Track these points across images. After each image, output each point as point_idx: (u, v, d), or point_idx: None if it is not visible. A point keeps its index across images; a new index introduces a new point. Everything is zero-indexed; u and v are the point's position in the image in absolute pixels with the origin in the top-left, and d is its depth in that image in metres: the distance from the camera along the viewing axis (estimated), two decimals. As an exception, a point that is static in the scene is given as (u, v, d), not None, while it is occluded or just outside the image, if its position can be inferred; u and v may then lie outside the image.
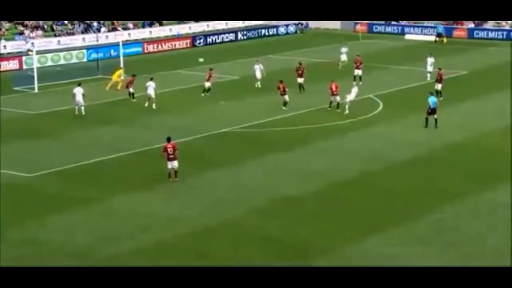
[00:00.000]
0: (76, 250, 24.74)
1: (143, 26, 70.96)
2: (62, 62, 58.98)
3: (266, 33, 74.90)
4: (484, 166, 33.30)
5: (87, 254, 24.37)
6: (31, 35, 63.33)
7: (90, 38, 64.84)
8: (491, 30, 72.18)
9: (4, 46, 60.48)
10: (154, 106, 44.05)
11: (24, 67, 56.24)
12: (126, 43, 63.24)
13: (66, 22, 67.18)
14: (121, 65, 52.56)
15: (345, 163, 33.82)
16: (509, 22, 71.13)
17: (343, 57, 56.57)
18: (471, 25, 73.33)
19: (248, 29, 74.95)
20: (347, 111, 42.06)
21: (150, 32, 70.06)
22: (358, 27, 75.14)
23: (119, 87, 48.62)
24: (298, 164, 33.96)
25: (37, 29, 64.81)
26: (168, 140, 31.55)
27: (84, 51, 61.00)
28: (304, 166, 33.53)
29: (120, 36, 64.86)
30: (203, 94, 47.35)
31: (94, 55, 59.31)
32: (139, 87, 45.74)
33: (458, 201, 28.99)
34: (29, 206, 28.92)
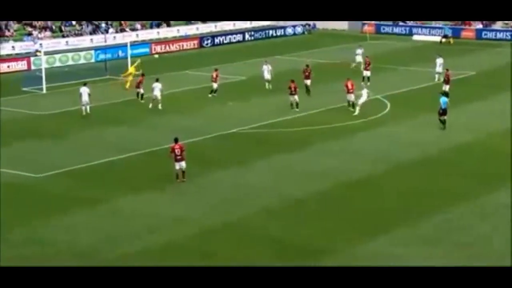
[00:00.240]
0: (82, 250, 24.84)
1: (151, 27, 71.19)
2: (70, 62, 59.23)
3: (274, 34, 74.98)
4: (491, 167, 33.27)
5: (93, 254, 24.45)
6: (39, 36, 63.61)
7: (98, 39, 65.07)
8: (499, 31, 72.08)
9: (13, 47, 60.76)
10: (160, 106, 44.19)
11: (33, 67, 56.51)
12: (134, 44, 63.43)
13: (74, 23, 67.44)
14: (129, 65, 52.72)
15: (351, 164, 33.87)
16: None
17: (358, 58, 56.06)
18: (479, 25, 73.22)
19: (256, 30, 75.06)
20: (356, 113, 42.10)
21: (158, 33, 70.28)
22: (366, 28, 75.11)
23: (127, 86, 48.79)
24: (304, 164, 34.03)
25: (45, 30, 65.09)
26: (176, 141, 31.62)
27: (92, 51, 61.24)
28: (311, 167, 33.59)
29: (128, 37, 65.06)
30: (210, 95, 47.46)
31: (102, 56, 59.50)
32: (146, 88, 45.88)
33: (464, 202, 29.02)
34: (36, 206, 29.04)
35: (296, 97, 43.58)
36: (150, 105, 44.46)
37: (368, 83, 49.19)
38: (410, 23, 75.42)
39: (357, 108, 42.30)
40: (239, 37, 72.38)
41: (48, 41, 62.54)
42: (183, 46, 67.90)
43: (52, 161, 34.38)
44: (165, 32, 70.77)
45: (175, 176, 31.23)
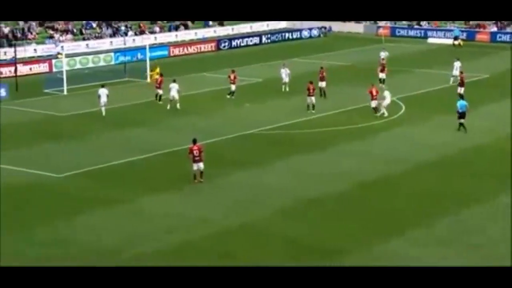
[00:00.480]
0: (103, 250, 25.12)
1: (169, 30, 72.06)
2: (90, 65, 59.95)
3: (290, 37, 75.50)
4: (505, 169, 33.40)
5: (114, 254, 24.76)
6: (60, 38, 64.60)
7: (117, 42, 66.01)
8: (515, 33, 72.28)
9: (35, 50, 61.74)
10: (178, 106, 44.90)
11: (54, 70, 57.17)
12: (153, 47, 64.07)
13: (94, 26, 68.46)
14: (148, 67, 53.60)
15: (367, 164, 34.27)
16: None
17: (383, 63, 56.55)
18: (494, 28, 73.43)
19: (272, 32, 75.71)
20: (379, 113, 42.76)
21: (176, 35, 71.06)
22: (381, 30, 75.52)
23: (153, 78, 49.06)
24: (321, 165, 34.42)
25: (66, 33, 66.09)
26: (194, 142, 31.94)
27: (112, 54, 62.01)
28: (327, 168, 34.00)
29: (146, 39, 65.84)
30: (228, 96, 48.13)
31: (121, 58, 60.35)
32: (164, 89, 46.48)
33: (480, 204, 29.31)
34: (57, 206, 29.34)
35: (313, 98, 44.18)
36: (168, 106, 45.18)
37: (383, 85, 49.77)
38: (425, 26, 75.81)
39: (383, 110, 42.92)
40: (256, 39, 73.00)
41: (69, 44, 63.37)
42: (200, 48, 68.61)
43: (73, 162, 34.86)
44: (183, 34, 71.53)
45: (193, 176, 31.59)
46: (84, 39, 66.20)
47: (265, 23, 77.22)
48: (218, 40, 70.64)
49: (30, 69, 57.15)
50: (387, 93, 43.63)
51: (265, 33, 75.19)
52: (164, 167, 34.39)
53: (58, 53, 59.28)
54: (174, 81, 45.90)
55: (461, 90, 46.40)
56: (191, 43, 69.66)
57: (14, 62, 54.18)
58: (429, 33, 74.66)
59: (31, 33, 64.55)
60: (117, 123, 42.34)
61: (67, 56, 56.33)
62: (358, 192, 30.87)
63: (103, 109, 43.68)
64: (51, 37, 64.57)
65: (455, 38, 70.73)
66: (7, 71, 55.20)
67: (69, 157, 35.99)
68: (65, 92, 50.18)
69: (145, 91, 49.58)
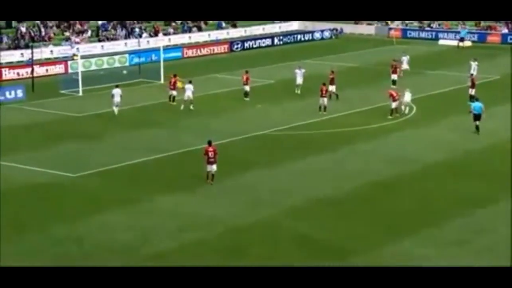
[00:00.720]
0: (118, 249, 25.48)
1: (183, 32, 72.72)
2: (105, 66, 60.55)
3: (302, 38, 75.87)
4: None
5: (129, 252, 25.17)
6: (76, 40, 65.40)
7: (132, 43, 66.63)
8: (526, 35, 72.41)
9: (51, 51, 62.35)
10: (192, 107, 45.49)
11: (70, 71, 57.67)
12: (167, 48, 64.53)
13: (109, 28, 69.19)
14: (161, 69, 54.18)
15: (378, 165, 34.59)
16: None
17: (404, 66, 56.75)
18: (505, 30, 73.61)
19: (284, 34, 76.19)
20: (401, 112, 43.34)
21: (190, 37, 71.66)
22: (392, 32, 75.85)
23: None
24: (333, 165, 34.77)
25: (82, 35, 66.86)
26: (209, 143, 32.15)
27: (126, 55, 62.55)
28: (339, 168, 34.35)
29: (160, 41, 66.45)
30: (246, 99, 48.29)
31: (136, 60, 60.95)
32: (178, 90, 47.05)
33: (491, 205, 29.52)
34: (73, 205, 29.72)
35: (325, 100, 44.67)
36: (182, 107, 45.70)
37: (394, 87, 50.18)
38: (436, 27, 76.06)
39: (403, 107, 43.34)
40: (268, 41, 73.44)
41: (85, 46, 63.96)
42: (213, 50, 69.14)
43: (88, 161, 35.31)
44: (196, 36, 72.11)
45: (206, 177, 31.99)
46: (99, 40, 66.83)
47: (277, 25, 77.73)
48: (231, 42, 71.14)
49: (47, 70, 57.79)
50: (407, 93, 44.01)
51: (277, 34, 75.66)
52: (178, 167, 34.80)
53: (74, 55, 59.92)
54: (190, 82, 46.47)
55: (472, 91, 46.69)
56: (205, 44, 70.20)
57: (31, 63, 54.92)
58: (440, 35, 74.75)
59: (48, 35, 65.29)
60: (131, 123, 42.82)
61: (83, 57, 56.96)
62: (370, 192, 31.15)
63: (115, 108, 44.26)
64: (67, 39, 65.28)
65: (461, 40, 70.85)
66: (24, 72, 55.91)
67: (84, 157, 36.42)
68: (80, 93, 50.72)
69: (159, 92, 50.10)
